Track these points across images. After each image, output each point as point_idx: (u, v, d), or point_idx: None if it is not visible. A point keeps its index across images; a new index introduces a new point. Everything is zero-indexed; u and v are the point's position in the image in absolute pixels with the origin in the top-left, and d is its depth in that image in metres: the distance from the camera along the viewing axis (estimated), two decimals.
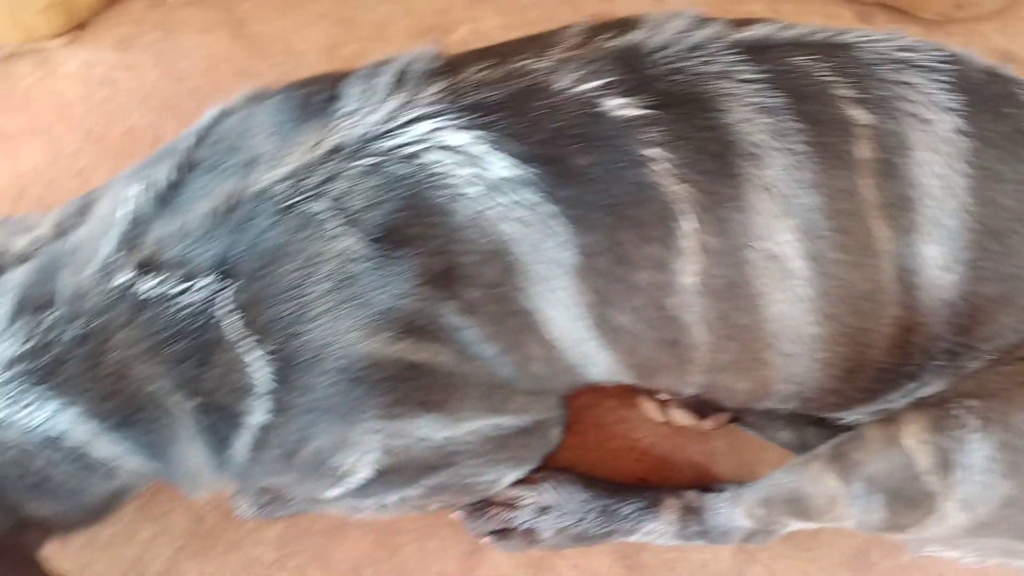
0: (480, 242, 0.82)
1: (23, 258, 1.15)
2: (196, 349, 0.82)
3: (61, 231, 1.15)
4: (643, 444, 1.21)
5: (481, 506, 1.10)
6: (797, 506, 0.97)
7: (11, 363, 0.83)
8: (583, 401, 1.19)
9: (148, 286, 0.81)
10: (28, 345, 0.83)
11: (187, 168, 0.85)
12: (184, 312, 0.81)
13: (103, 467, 0.89)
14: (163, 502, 1.14)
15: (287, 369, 0.83)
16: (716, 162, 0.82)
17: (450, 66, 0.85)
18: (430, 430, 0.90)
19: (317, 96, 0.84)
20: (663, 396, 1.17)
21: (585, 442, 1.19)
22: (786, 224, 0.83)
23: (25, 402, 0.84)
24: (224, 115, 0.89)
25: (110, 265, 0.82)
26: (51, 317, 0.83)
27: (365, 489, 0.96)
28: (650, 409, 1.19)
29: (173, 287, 0.81)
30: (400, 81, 0.83)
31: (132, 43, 1.41)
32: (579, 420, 1.18)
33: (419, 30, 1.44)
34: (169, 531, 1.13)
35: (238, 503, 1.11)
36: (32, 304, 0.84)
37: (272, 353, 0.82)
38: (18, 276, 0.89)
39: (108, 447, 0.87)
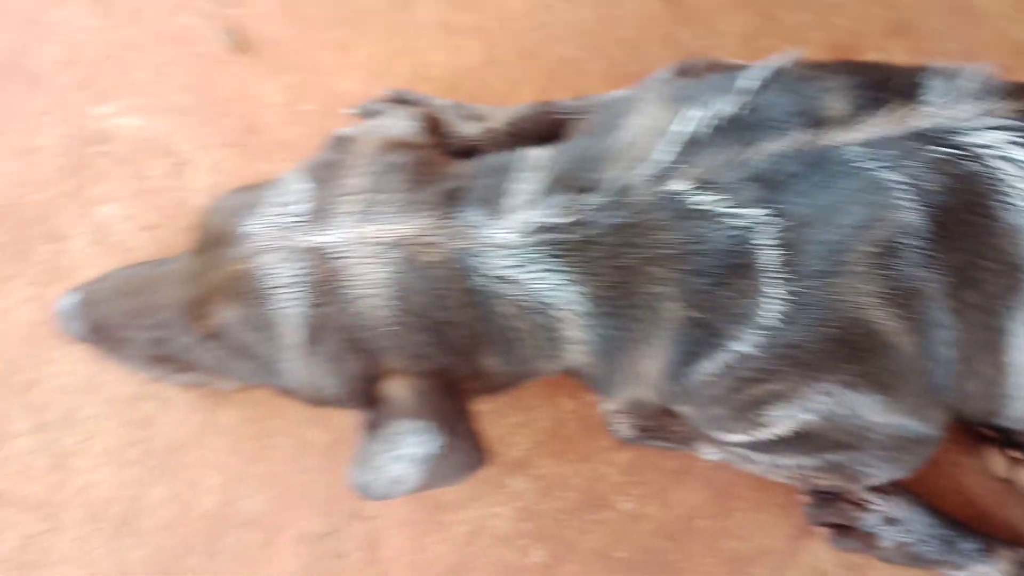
0: (1007, 252, 0.87)
1: (469, 144, 1.25)
2: (719, 268, 0.88)
3: (516, 129, 1.25)
4: (969, 491, 1.24)
5: (831, 497, 1.15)
6: None
7: (539, 229, 0.91)
8: None
9: (699, 199, 0.88)
10: (562, 219, 0.90)
11: (749, 108, 0.91)
12: (722, 233, 0.87)
13: (560, 346, 0.97)
14: (533, 397, 1.21)
15: (796, 312, 0.88)
16: None
17: (1020, 91, 0.90)
18: (869, 410, 0.95)
19: (899, 79, 0.90)
20: (1016, 454, 1.20)
21: (916, 475, 1.22)
22: None
23: (537, 267, 0.91)
24: (781, 72, 0.94)
25: (666, 171, 0.89)
26: (594, 201, 0.90)
27: (771, 445, 1.01)
28: (997, 462, 1.21)
29: (722, 207, 0.88)
30: (985, 90, 0.88)
31: None
32: None
33: (831, 44, 1.49)
34: (532, 425, 1.21)
35: (617, 423, 1.18)
36: (574, 185, 0.92)
37: (792, 295, 0.87)
38: (544, 158, 0.97)
39: (580, 331, 0.94)
